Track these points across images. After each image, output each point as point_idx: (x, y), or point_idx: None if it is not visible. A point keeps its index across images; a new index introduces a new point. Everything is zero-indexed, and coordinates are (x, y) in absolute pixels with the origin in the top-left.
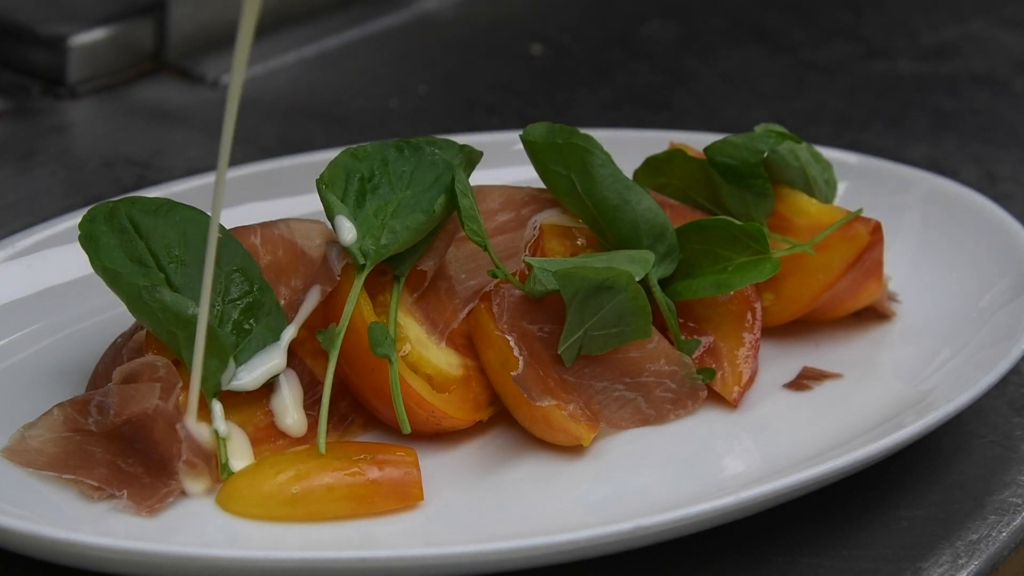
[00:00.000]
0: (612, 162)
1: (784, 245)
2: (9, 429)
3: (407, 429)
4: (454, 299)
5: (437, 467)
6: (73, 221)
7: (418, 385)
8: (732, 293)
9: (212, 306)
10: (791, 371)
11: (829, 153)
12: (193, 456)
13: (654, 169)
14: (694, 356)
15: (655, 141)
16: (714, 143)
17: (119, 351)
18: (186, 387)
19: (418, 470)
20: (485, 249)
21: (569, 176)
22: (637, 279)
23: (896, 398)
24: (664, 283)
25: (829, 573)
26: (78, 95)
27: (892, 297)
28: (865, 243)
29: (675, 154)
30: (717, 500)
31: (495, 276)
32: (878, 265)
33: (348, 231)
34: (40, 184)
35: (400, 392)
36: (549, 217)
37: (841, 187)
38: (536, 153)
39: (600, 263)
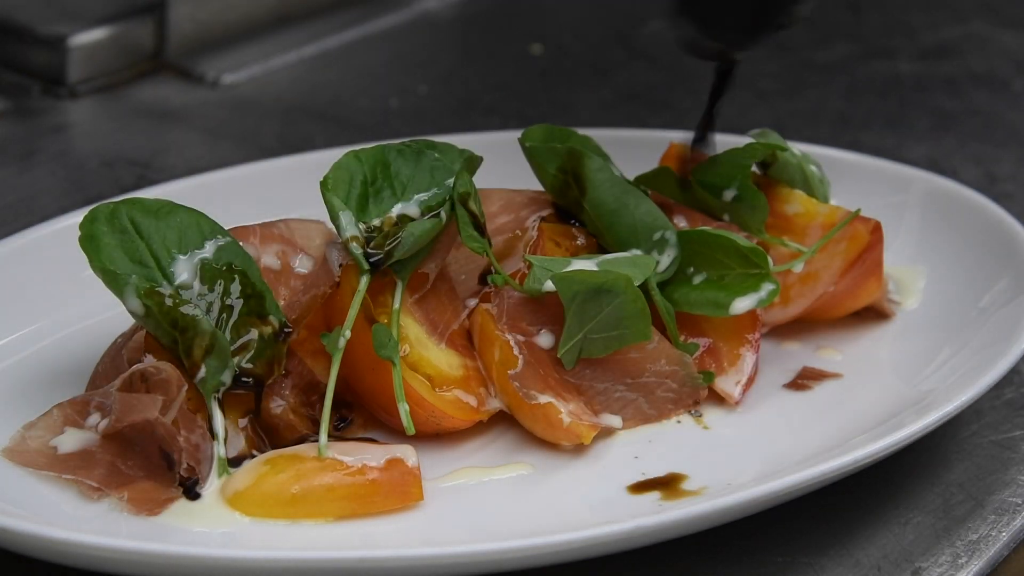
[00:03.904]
0: (610, 165)
1: (782, 248)
2: (9, 429)
3: (412, 430)
4: (454, 300)
5: (437, 467)
6: (73, 221)
7: (418, 385)
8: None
9: (212, 306)
10: (791, 371)
11: (829, 153)
12: (194, 463)
13: (644, 182)
14: (694, 357)
15: (655, 141)
16: (699, 166)
17: (119, 351)
18: (188, 389)
19: (418, 470)
20: (485, 254)
21: (567, 180)
22: (636, 283)
23: (896, 398)
24: (663, 283)
25: (829, 573)
26: (78, 95)
27: (891, 297)
28: (865, 243)
29: (662, 171)
30: (717, 500)
31: (495, 283)
32: (878, 265)
33: (353, 235)
34: (40, 184)
35: (404, 394)
36: (548, 216)
37: (841, 187)
38: (534, 157)
39: (601, 266)
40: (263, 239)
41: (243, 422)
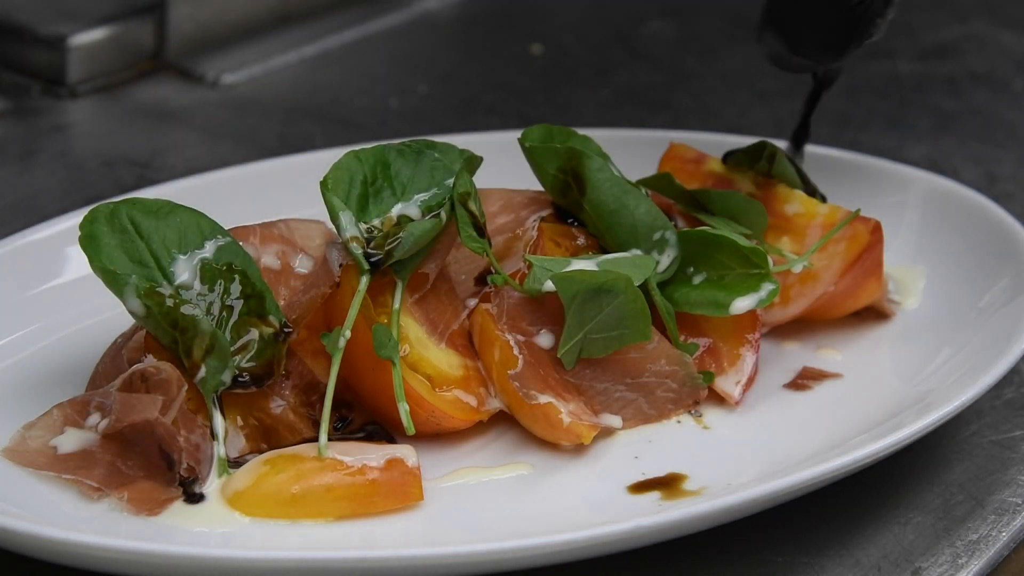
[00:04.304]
0: (610, 165)
1: (780, 255)
2: (9, 429)
3: (411, 430)
4: (454, 300)
5: (437, 467)
6: (73, 221)
7: (418, 385)
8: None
9: (212, 306)
10: (791, 371)
11: (829, 153)
12: (194, 463)
13: (645, 184)
14: (694, 357)
15: (655, 141)
16: (697, 195)
17: (119, 351)
18: (188, 389)
19: (418, 470)
20: (485, 255)
21: (567, 180)
22: (637, 283)
23: (896, 398)
24: (663, 283)
25: (829, 573)
26: (78, 95)
27: (891, 297)
28: (865, 243)
29: (663, 177)
30: (717, 500)
31: (495, 283)
32: (878, 265)
33: (353, 235)
34: (40, 184)
35: (404, 394)
36: (548, 216)
37: (841, 187)
38: (534, 157)
39: (601, 266)
40: (263, 239)
41: (241, 421)
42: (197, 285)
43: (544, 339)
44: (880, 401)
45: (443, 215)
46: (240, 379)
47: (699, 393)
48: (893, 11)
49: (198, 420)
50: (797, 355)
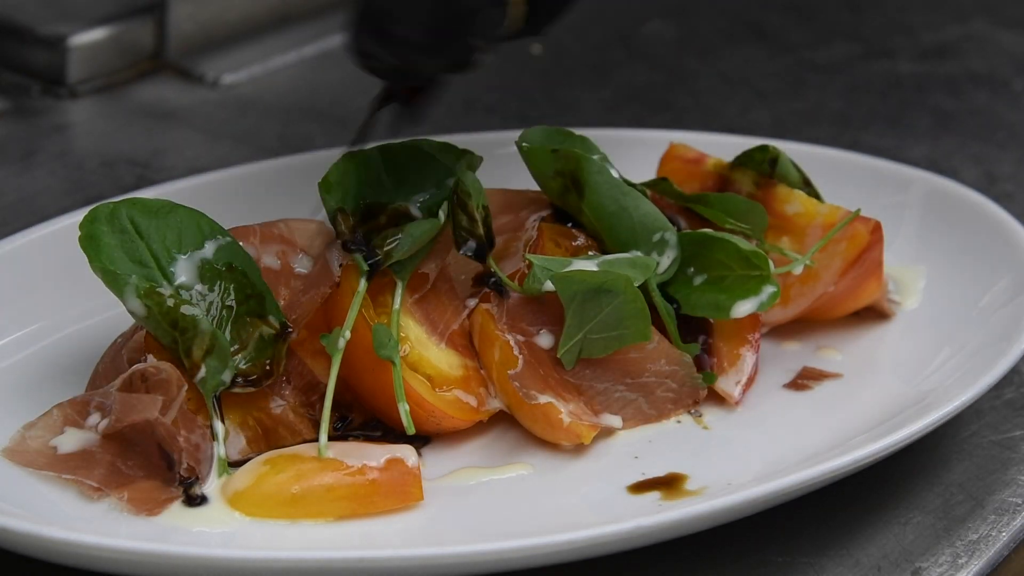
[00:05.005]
0: (609, 168)
1: (781, 256)
2: (9, 429)
3: (412, 430)
4: (454, 300)
5: (437, 467)
6: (73, 221)
7: (418, 385)
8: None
9: (212, 306)
10: (791, 371)
11: (829, 153)
12: (194, 463)
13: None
14: (694, 357)
15: (655, 141)
16: (695, 201)
17: (119, 351)
18: (188, 389)
19: (418, 470)
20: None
21: (565, 184)
22: (636, 284)
23: (896, 398)
24: (663, 284)
25: (829, 573)
26: (78, 95)
27: (891, 297)
28: (865, 243)
29: (660, 182)
30: (717, 500)
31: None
32: (878, 265)
33: (351, 235)
34: (40, 184)
35: (404, 394)
36: (548, 216)
37: (841, 187)
38: (532, 160)
39: (601, 266)
40: (263, 239)
41: (241, 421)
42: (197, 285)
43: (544, 339)
44: (880, 401)
45: (441, 215)
46: (240, 379)
47: (699, 393)
48: (495, 41)
49: (198, 420)
50: (797, 355)
